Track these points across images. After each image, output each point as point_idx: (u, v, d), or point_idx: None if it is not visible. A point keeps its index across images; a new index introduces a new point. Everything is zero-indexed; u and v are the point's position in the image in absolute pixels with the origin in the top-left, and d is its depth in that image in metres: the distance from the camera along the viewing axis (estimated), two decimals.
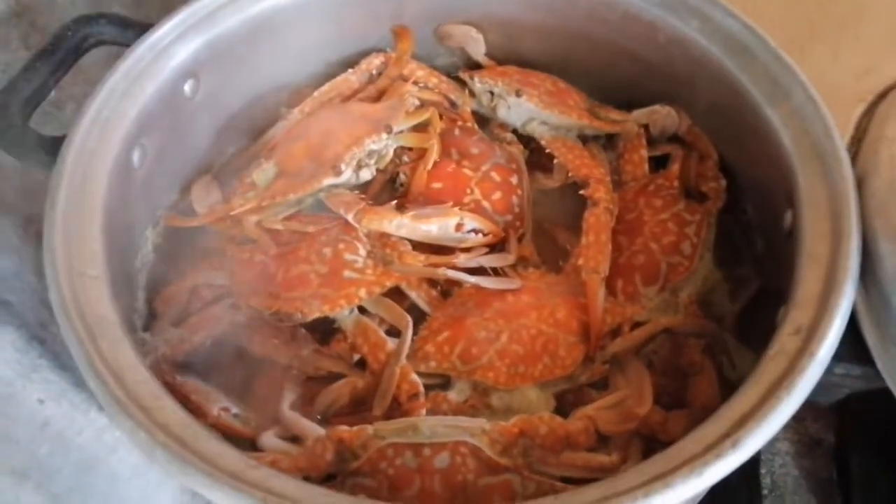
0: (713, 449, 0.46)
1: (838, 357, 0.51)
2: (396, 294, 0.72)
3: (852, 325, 0.54)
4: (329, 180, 0.74)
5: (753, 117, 0.70)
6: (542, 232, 0.80)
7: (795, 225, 0.62)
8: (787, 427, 0.91)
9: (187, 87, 0.77)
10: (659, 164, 0.84)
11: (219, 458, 0.49)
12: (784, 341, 0.52)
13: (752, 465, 0.89)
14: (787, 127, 0.66)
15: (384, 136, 0.76)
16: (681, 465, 0.46)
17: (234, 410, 0.68)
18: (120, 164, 0.69)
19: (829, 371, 0.51)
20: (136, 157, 0.72)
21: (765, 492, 0.89)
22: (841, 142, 0.60)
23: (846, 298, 0.53)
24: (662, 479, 0.45)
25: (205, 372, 0.71)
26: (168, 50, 0.74)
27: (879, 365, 0.54)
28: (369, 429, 0.60)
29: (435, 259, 0.70)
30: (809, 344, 0.51)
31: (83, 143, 0.65)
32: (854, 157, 0.63)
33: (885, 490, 0.78)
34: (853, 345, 0.54)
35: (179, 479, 0.47)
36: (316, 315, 0.68)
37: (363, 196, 0.74)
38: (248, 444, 0.66)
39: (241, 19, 0.79)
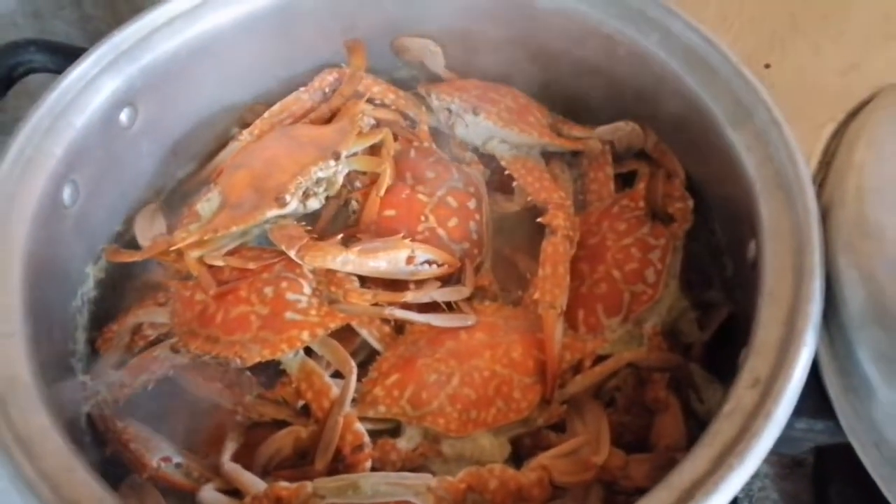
0: None
1: (799, 412, 0.48)
2: (347, 330, 0.69)
3: (815, 376, 0.50)
4: (273, 212, 0.70)
5: (716, 137, 0.66)
6: (502, 258, 0.76)
7: (758, 257, 0.58)
8: None
9: (123, 117, 0.73)
10: (626, 181, 0.80)
11: None
12: (741, 395, 0.49)
13: None
14: (751, 151, 0.62)
15: (332, 162, 0.73)
16: None
17: (176, 460, 0.65)
18: (47, 205, 0.65)
19: (790, 426, 0.48)
20: (66, 194, 0.68)
21: None
22: (806, 171, 0.57)
23: (807, 348, 0.49)
24: None
25: (148, 415, 0.69)
26: (97, 80, 0.70)
27: (841, 420, 0.50)
28: (309, 486, 0.57)
29: (383, 296, 0.66)
30: (766, 401, 0.47)
31: (2, 187, 0.62)
32: (821, 185, 0.59)
33: None
34: (815, 397, 0.50)
35: None
36: (256, 360, 0.64)
37: (310, 229, 0.70)
38: (189, 496, 0.63)
39: (179, 42, 0.75)
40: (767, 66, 1.01)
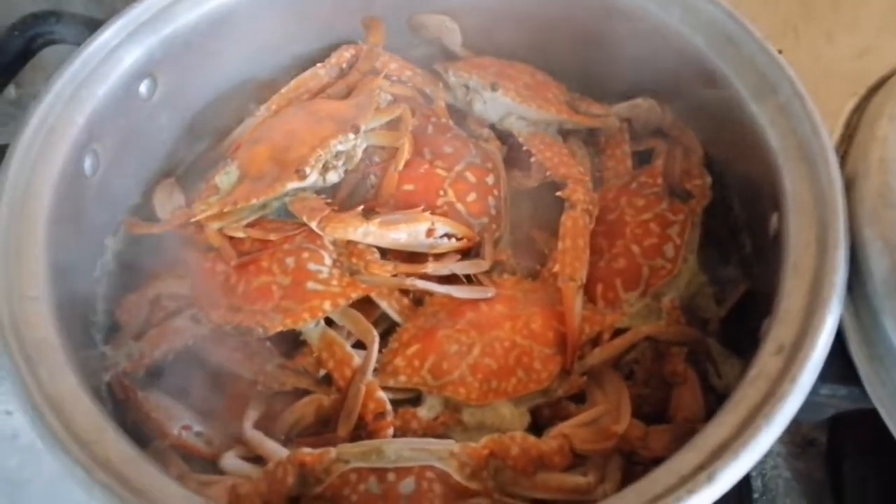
0: (687, 483, 0.43)
1: (824, 377, 0.48)
2: (367, 302, 0.69)
3: (839, 343, 0.51)
4: (293, 184, 0.70)
5: (738, 112, 0.66)
6: (520, 234, 0.76)
7: (781, 230, 0.58)
8: None
9: (143, 88, 0.73)
10: (643, 159, 0.80)
11: (164, 496, 0.46)
12: (765, 362, 0.49)
13: None
14: (774, 124, 0.62)
15: (351, 136, 0.73)
16: (652, 501, 0.43)
17: (197, 429, 0.65)
18: (69, 173, 0.65)
19: (814, 392, 0.48)
20: (88, 164, 0.68)
21: (756, 495, 0.86)
22: (830, 142, 0.57)
23: (831, 316, 0.49)
24: None
25: (168, 385, 0.69)
26: (119, 50, 0.70)
27: (867, 386, 0.50)
28: (332, 452, 0.57)
29: (404, 268, 0.67)
30: (791, 366, 0.47)
31: (25, 154, 0.62)
32: (843, 158, 0.59)
33: (878, 494, 0.75)
34: (840, 364, 0.50)
35: None
36: (278, 329, 0.64)
37: (330, 201, 0.70)
38: (211, 463, 0.63)
39: (199, 14, 0.75)
40: (780, 51, 1.01)
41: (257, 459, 0.62)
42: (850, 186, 0.56)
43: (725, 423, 0.47)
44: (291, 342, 0.68)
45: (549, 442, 0.58)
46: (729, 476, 0.44)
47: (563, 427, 0.59)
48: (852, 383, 0.51)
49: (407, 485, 0.55)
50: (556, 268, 0.67)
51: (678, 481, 0.44)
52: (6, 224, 0.59)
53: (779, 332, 0.50)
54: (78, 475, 0.46)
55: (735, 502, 0.85)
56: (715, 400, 0.64)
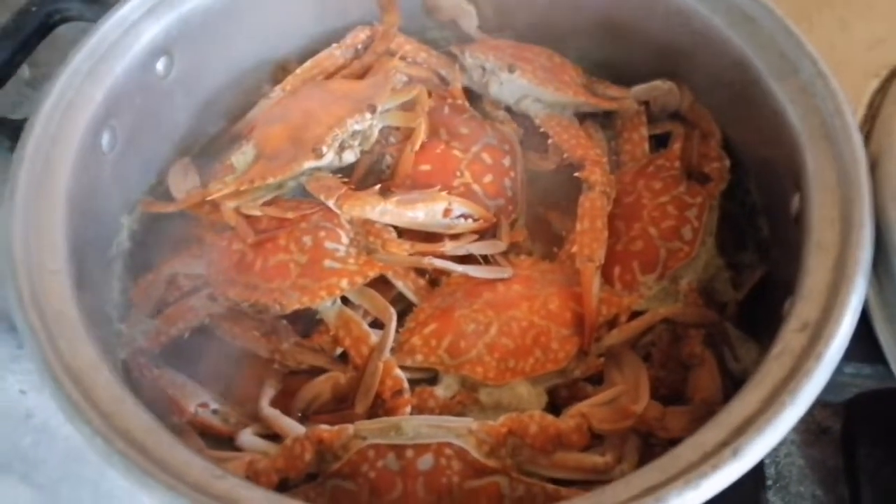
0: (711, 458, 0.43)
1: (848, 356, 0.48)
2: (383, 283, 0.69)
3: (864, 321, 0.50)
4: (310, 163, 0.70)
5: (759, 93, 0.66)
6: (536, 216, 0.76)
7: (803, 210, 0.58)
8: None
9: (160, 66, 0.73)
10: (660, 142, 0.80)
11: (183, 466, 0.46)
12: (789, 338, 0.49)
13: None
14: (795, 104, 0.61)
15: (368, 115, 0.72)
16: (675, 477, 0.43)
17: (214, 406, 0.65)
18: (87, 149, 0.65)
19: (838, 370, 0.48)
20: (105, 140, 0.68)
21: (769, 482, 0.86)
22: (853, 121, 0.56)
23: (857, 293, 0.49)
24: (654, 492, 0.42)
25: (184, 364, 0.69)
26: (137, 26, 0.69)
27: (893, 365, 0.50)
28: (350, 429, 0.57)
29: (421, 247, 0.66)
30: (816, 343, 0.47)
31: (45, 128, 0.62)
32: (867, 137, 0.59)
33: (894, 481, 0.75)
34: (864, 342, 0.50)
35: (139, 489, 0.44)
36: (295, 307, 0.64)
37: (346, 180, 0.70)
38: (227, 441, 0.63)
39: None
40: None
41: (274, 437, 0.62)
42: (874, 165, 0.56)
43: (749, 400, 0.46)
44: (308, 321, 0.68)
45: (568, 421, 0.58)
46: (754, 452, 0.43)
47: (582, 406, 0.59)
48: (877, 362, 0.50)
49: (425, 461, 0.55)
50: (575, 248, 0.67)
51: (702, 457, 0.44)
52: (26, 198, 0.59)
53: (803, 309, 0.50)
54: (97, 445, 0.46)
55: (749, 489, 0.85)
56: (732, 384, 0.64)
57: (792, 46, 0.63)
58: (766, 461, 0.87)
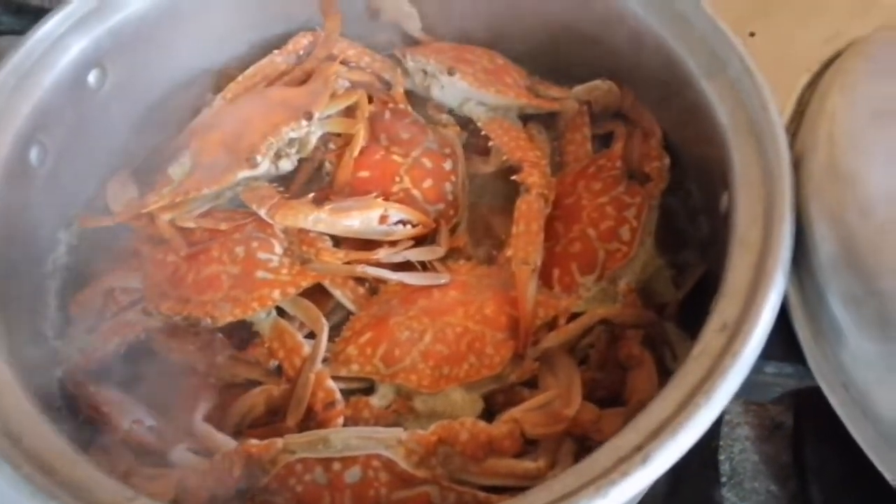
0: (622, 464, 0.43)
1: (768, 355, 0.47)
2: (321, 292, 0.68)
3: (784, 320, 0.50)
4: (244, 173, 0.70)
5: (692, 92, 0.65)
6: (478, 220, 0.76)
7: (731, 208, 0.57)
8: (749, 411, 0.88)
9: (91, 78, 0.72)
10: (603, 143, 0.79)
11: (95, 488, 0.45)
12: (709, 339, 0.48)
13: (712, 452, 0.86)
14: (724, 101, 0.61)
15: (304, 122, 0.72)
16: (587, 484, 0.42)
17: (149, 422, 0.64)
18: (13, 166, 0.64)
19: (759, 371, 0.47)
20: (33, 155, 0.67)
21: (724, 478, 0.86)
22: (778, 117, 0.56)
23: (776, 291, 0.48)
24: (567, 499, 0.41)
25: (122, 379, 0.68)
26: (65, 39, 0.69)
27: (811, 363, 0.50)
28: (279, 442, 0.56)
29: (355, 255, 0.66)
30: (734, 342, 0.47)
31: None
32: (794, 134, 0.58)
33: (839, 477, 0.75)
34: (784, 341, 0.50)
35: None
36: (228, 319, 0.64)
37: (281, 189, 0.70)
38: (163, 458, 0.62)
39: (150, 2, 0.74)
40: (752, 34, 1.01)
41: (209, 452, 0.61)
42: (798, 162, 0.55)
43: (668, 401, 0.46)
44: (244, 333, 0.67)
45: (500, 427, 0.57)
46: (665, 457, 0.43)
47: (514, 412, 0.58)
48: (798, 361, 0.50)
49: (353, 474, 0.54)
50: (510, 251, 0.66)
51: (615, 462, 0.43)
52: None
53: (723, 308, 0.50)
54: (4, 470, 0.45)
55: (704, 486, 0.85)
56: None
57: (722, 44, 0.63)
58: (721, 457, 0.87)
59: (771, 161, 0.55)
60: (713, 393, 0.44)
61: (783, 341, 0.50)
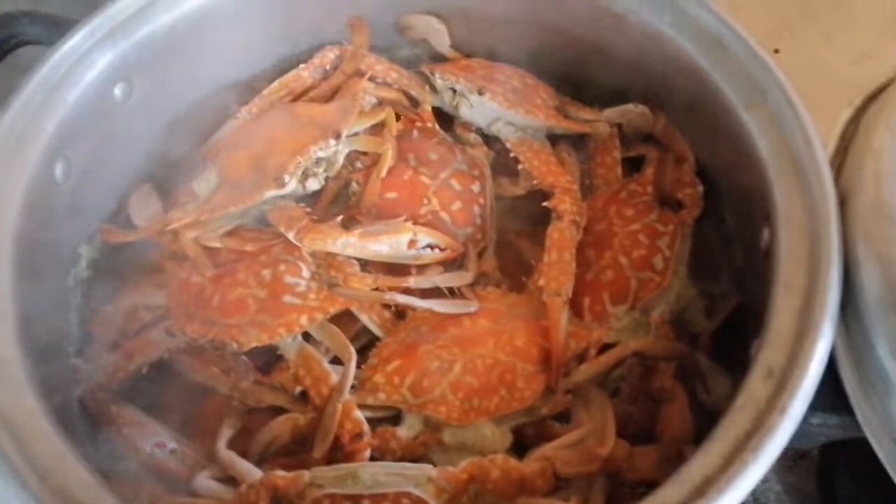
0: None
1: (814, 406, 0.46)
2: (347, 315, 0.67)
3: (830, 367, 0.49)
4: (271, 192, 0.68)
5: (729, 121, 0.64)
6: (506, 243, 0.74)
7: (772, 245, 0.56)
8: None
9: (118, 92, 0.71)
10: (633, 166, 0.78)
11: None
12: (754, 388, 0.47)
13: None
14: (765, 134, 0.60)
15: (332, 142, 0.71)
16: None
17: (171, 446, 0.63)
18: (39, 182, 0.63)
19: (804, 420, 0.46)
20: (59, 171, 0.66)
21: None
22: (823, 155, 0.54)
23: (824, 340, 0.47)
24: None
25: (142, 399, 0.67)
26: (92, 53, 0.67)
27: (858, 414, 0.48)
28: (306, 475, 0.55)
29: (384, 281, 0.65)
30: (781, 394, 0.45)
31: None
32: (838, 170, 0.57)
33: None
34: (832, 390, 0.48)
35: None
36: (254, 345, 0.62)
37: (309, 210, 0.68)
38: (185, 483, 0.61)
39: (177, 16, 0.73)
40: (777, 51, 0.99)
41: (232, 480, 0.60)
42: (844, 201, 0.54)
43: (712, 454, 0.45)
44: (269, 355, 0.66)
45: (531, 465, 0.56)
46: None
47: (546, 449, 0.57)
48: (844, 412, 0.49)
49: None
50: (542, 281, 0.65)
51: None
52: None
53: (768, 354, 0.48)
54: None
55: None
56: (703, 417, 0.62)
57: (762, 74, 0.61)
58: None
59: (816, 199, 0.54)
60: (761, 450, 0.43)
61: (829, 390, 0.48)
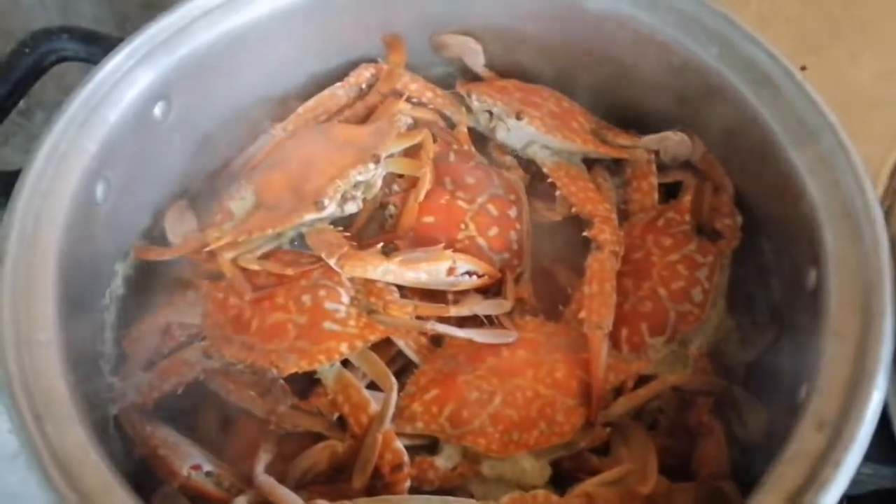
0: None
1: (866, 457, 0.46)
2: (384, 340, 0.67)
3: (882, 417, 0.48)
4: (311, 216, 0.68)
5: (775, 156, 0.64)
6: (541, 270, 0.74)
7: (820, 287, 0.56)
8: None
9: (157, 110, 0.71)
10: (669, 192, 0.77)
11: None
12: (805, 438, 0.47)
13: None
14: (814, 174, 0.59)
15: (371, 165, 0.70)
16: None
17: (207, 468, 0.63)
18: (80, 202, 0.63)
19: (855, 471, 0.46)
20: (99, 191, 0.66)
21: None
22: (876, 200, 0.54)
23: (878, 392, 0.47)
24: None
25: (179, 419, 0.67)
26: (133, 72, 0.67)
27: None
28: None
29: (424, 309, 0.64)
30: (835, 448, 0.45)
31: (35, 185, 0.59)
32: (888, 212, 0.57)
33: None
34: (883, 441, 0.48)
35: None
36: (292, 370, 0.62)
37: (348, 235, 0.68)
38: None
39: (216, 34, 0.72)
40: (803, 68, 0.99)
41: None
42: (895, 244, 0.54)
43: None
44: (306, 379, 0.66)
45: (572, 501, 0.56)
46: None
47: (587, 485, 0.57)
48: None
49: None
50: (583, 314, 0.65)
51: None
52: (16, 259, 0.57)
53: (820, 404, 0.48)
54: None
55: None
56: (737, 451, 0.62)
57: (813, 113, 0.61)
58: None
59: (868, 247, 0.53)
60: None
61: (881, 441, 0.48)
